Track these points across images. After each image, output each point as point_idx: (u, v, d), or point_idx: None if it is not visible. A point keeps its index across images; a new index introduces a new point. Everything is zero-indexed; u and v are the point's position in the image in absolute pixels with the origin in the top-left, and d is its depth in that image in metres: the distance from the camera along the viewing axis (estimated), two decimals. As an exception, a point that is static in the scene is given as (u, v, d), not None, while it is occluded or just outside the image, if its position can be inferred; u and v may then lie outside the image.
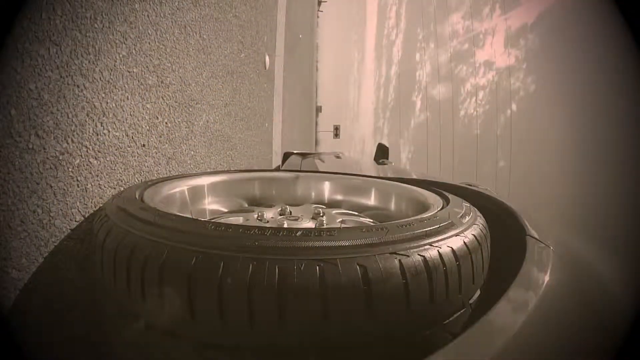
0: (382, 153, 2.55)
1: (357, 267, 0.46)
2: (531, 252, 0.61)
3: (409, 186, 0.97)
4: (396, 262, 0.48)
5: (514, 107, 5.05)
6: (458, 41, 5.83)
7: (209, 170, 1.30)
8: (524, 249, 0.62)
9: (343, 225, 0.82)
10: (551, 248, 0.62)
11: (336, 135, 7.24)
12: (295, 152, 2.22)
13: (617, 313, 0.54)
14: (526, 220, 0.72)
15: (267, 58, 2.08)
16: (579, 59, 4.21)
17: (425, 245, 0.51)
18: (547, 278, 0.56)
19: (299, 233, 0.53)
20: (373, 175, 1.18)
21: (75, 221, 0.75)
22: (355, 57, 6.64)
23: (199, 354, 0.50)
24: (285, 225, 0.78)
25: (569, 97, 4.57)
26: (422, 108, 5.92)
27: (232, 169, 1.46)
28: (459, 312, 0.53)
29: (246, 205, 1.01)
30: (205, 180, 0.98)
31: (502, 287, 0.53)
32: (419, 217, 0.64)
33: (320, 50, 7.38)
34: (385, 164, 2.23)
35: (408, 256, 0.49)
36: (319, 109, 8.25)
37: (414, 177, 1.10)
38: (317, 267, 0.46)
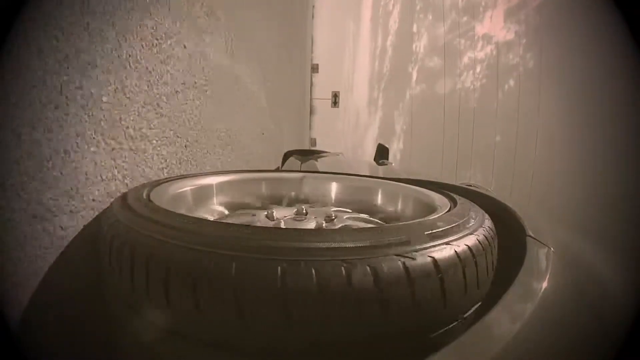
0: (381, 154, 2.56)
1: (401, 265, 0.48)
2: (531, 253, 0.62)
3: (415, 187, 0.98)
4: (430, 259, 0.50)
5: (511, 82, 5.07)
6: (457, 13, 5.79)
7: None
8: (524, 250, 0.63)
9: (355, 225, 0.85)
10: (551, 249, 0.63)
11: (335, 103, 6.57)
12: (294, 153, 2.22)
13: (617, 314, 0.55)
14: (526, 221, 0.73)
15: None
16: (580, 41, 4.22)
17: (444, 243, 0.53)
18: (547, 279, 0.57)
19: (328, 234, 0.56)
20: (375, 176, 1.20)
21: (83, 221, 0.74)
22: (351, 28, 6.46)
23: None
24: (298, 226, 0.80)
25: (568, 83, 4.60)
26: (417, 80, 5.90)
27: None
28: (475, 306, 0.55)
29: (253, 205, 1.02)
30: (212, 180, 0.98)
31: (502, 287, 0.54)
32: (437, 216, 0.66)
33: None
34: (385, 164, 2.25)
35: (441, 252, 0.52)
36: (314, 68, 6.85)
37: (413, 177, 1.12)
38: (368, 268, 0.48)
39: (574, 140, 4.24)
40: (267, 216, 0.88)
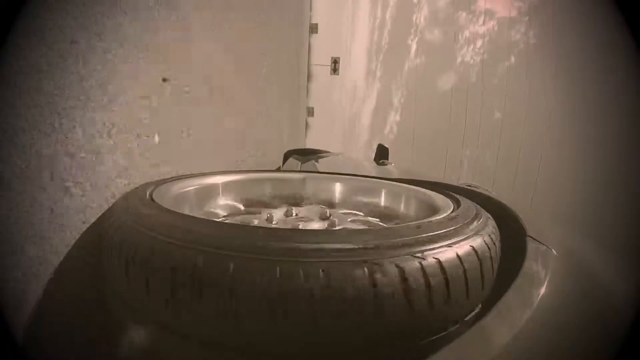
0: (382, 154, 2.58)
1: (395, 267, 0.50)
2: (531, 253, 0.64)
3: (418, 188, 1.00)
4: (434, 261, 0.52)
5: (512, 59, 5.07)
6: (459, -14, 5.71)
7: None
8: (524, 250, 0.65)
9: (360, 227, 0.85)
10: (551, 249, 0.65)
11: (334, 70, 6.12)
12: (294, 153, 2.22)
13: (617, 313, 0.57)
14: (526, 222, 0.74)
15: None
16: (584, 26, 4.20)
17: (446, 245, 0.55)
18: (547, 279, 0.58)
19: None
20: (376, 176, 1.22)
21: (87, 222, 0.75)
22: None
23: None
24: (300, 226, 0.81)
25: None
26: (417, 52, 5.85)
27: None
28: (477, 309, 0.57)
29: (256, 205, 1.03)
30: (217, 180, 0.99)
31: (502, 288, 0.55)
32: (440, 217, 0.67)
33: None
34: (385, 165, 2.27)
35: (443, 254, 0.53)
36: (313, 28, 6.41)
37: (414, 178, 1.13)
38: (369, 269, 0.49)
39: (574, 131, 4.29)
40: (285, 214, 0.90)
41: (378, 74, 6.34)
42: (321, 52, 6.35)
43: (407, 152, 6.00)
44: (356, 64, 6.39)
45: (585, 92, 4.16)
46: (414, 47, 6.38)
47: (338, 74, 6.39)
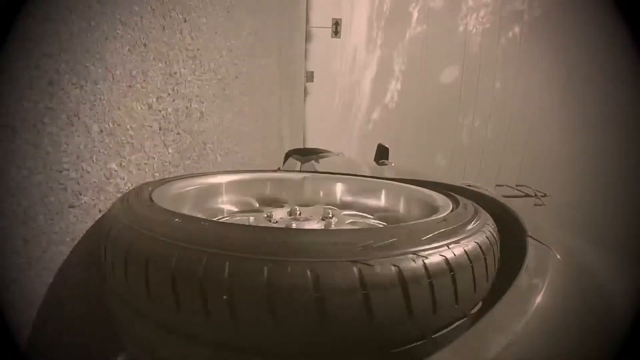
0: (381, 154, 2.53)
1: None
2: (531, 253, 0.64)
3: (417, 187, 0.99)
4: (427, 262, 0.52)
5: (516, 29, 5.03)
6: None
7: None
8: (524, 250, 0.65)
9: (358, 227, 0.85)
10: (552, 249, 0.65)
11: (336, 33, 5.73)
12: (294, 152, 2.15)
13: (617, 314, 0.58)
14: (526, 222, 0.74)
15: None
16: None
17: (445, 245, 0.55)
18: (547, 280, 0.59)
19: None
20: (377, 176, 1.20)
21: (89, 221, 0.73)
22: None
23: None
24: (294, 226, 0.81)
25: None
26: (418, 20, 5.77)
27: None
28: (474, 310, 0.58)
29: (256, 205, 1.02)
30: (218, 180, 0.97)
31: (502, 288, 0.56)
32: (438, 217, 0.67)
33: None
34: (385, 165, 2.23)
35: (444, 254, 0.52)
36: None
37: (414, 178, 1.12)
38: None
39: (573, 129, 4.29)
40: (289, 213, 0.91)
41: (379, 41, 6.21)
42: (321, 12, 6.10)
43: (406, 122, 5.98)
44: (357, 29, 6.23)
45: (586, 91, 4.13)
46: (415, 14, 6.26)
47: (339, 37, 6.12)
